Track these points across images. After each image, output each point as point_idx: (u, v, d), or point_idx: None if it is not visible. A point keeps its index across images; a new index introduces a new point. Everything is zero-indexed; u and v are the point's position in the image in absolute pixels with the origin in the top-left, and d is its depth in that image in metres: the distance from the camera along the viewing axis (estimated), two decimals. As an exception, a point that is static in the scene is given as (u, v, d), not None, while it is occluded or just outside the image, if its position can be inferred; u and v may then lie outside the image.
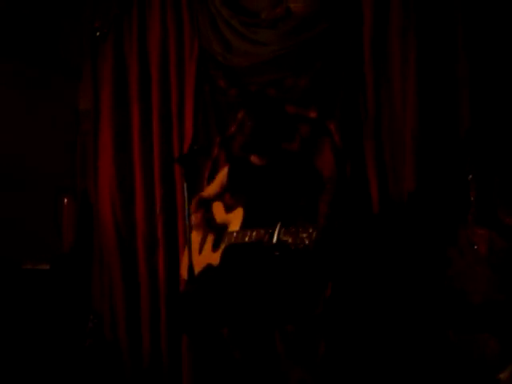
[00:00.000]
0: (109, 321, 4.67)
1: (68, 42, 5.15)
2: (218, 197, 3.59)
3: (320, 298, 3.57)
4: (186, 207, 3.06)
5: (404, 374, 3.35)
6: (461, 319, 3.16)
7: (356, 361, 3.50)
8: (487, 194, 3.21)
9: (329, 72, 3.78)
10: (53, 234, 4.84)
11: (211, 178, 3.93)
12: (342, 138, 3.69)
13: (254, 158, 3.36)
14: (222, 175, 3.60)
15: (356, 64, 3.69)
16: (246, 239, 3.02)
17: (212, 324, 3.18)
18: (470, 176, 3.23)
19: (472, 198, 3.21)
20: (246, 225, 3.13)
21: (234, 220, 3.23)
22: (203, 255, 3.39)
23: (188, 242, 3.04)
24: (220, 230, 3.34)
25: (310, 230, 2.70)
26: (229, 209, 3.41)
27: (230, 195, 3.61)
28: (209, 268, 3.27)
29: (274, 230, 2.80)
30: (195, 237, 3.48)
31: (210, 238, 3.43)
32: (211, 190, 3.64)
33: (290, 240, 2.73)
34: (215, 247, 3.31)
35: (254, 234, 2.96)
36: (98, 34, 4.85)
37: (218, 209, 3.50)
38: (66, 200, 4.87)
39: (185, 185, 3.08)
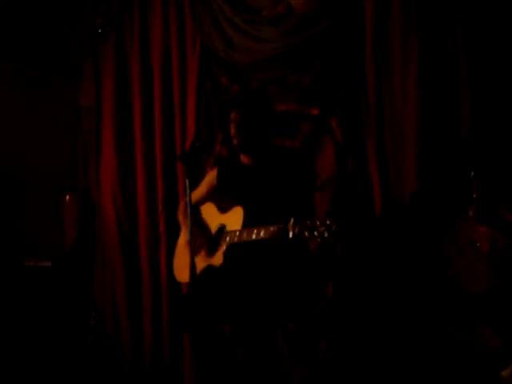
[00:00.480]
0: (111, 318, 4.67)
1: (68, 41, 5.14)
2: (206, 199, 3.56)
3: (322, 296, 3.57)
4: (188, 204, 3.05)
5: (405, 372, 3.35)
6: (461, 317, 3.16)
7: (357, 359, 3.50)
8: (489, 191, 3.22)
9: (330, 69, 3.79)
10: (55, 231, 4.84)
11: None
12: (343, 134, 3.70)
13: (244, 158, 3.35)
14: (211, 177, 3.58)
15: (357, 61, 3.70)
16: (253, 237, 2.98)
17: (214, 321, 3.17)
18: (472, 173, 3.24)
19: (474, 195, 3.21)
20: (247, 223, 3.10)
21: (232, 219, 3.19)
22: (199, 257, 3.33)
23: (190, 241, 3.04)
24: (217, 231, 3.32)
25: (328, 223, 2.69)
26: (222, 209, 3.39)
27: (222, 196, 3.58)
28: (210, 268, 3.23)
29: (288, 226, 2.79)
30: (185, 237, 3.44)
31: (202, 240, 3.39)
32: (199, 192, 3.59)
33: (306, 234, 2.71)
34: (213, 248, 3.27)
35: (263, 231, 2.93)
36: (99, 31, 4.85)
37: (210, 210, 3.47)
38: (67, 197, 4.87)
39: (187, 181, 3.07)
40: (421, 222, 3.43)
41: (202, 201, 3.55)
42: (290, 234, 2.77)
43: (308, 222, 2.72)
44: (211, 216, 3.43)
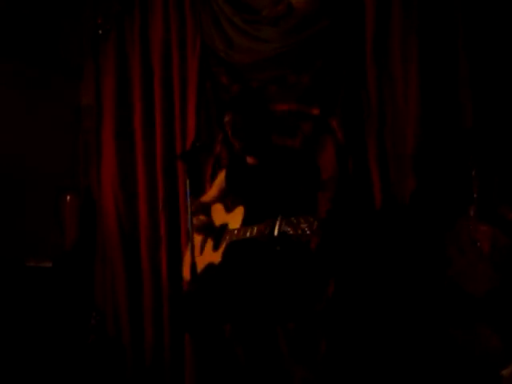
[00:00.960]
0: (111, 317, 4.68)
1: (68, 41, 5.15)
2: (218, 200, 3.58)
3: (322, 295, 3.57)
4: (188, 204, 3.06)
5: (406, 371, 3.35)
6: (461, 317, 3.16)
7: (357, 358, 3.50)
8: (490, 191, 3.22)
9: (331, 69, 3.78)
10: (55, 231, 4.85)
11: (213, 175, 3.94)
12: (344, 134, 3.69)
13: (250, 159, 3.37)
14: (220, 179, 3.60)
15: (358, 61, 3.69)
16: (248, 235, 3.01)
17: (214, 321, 3.18)
18: (473, 172, 3.24)
19: (475, 195, 3.21)
20: (247, 222, 3.12)
21: (235, 219, 3.22)
22: (204, 255, 3.39)
23: (190, 240, 3.05)
24: (220, 230, 3.34)
25: (311, 220, 2.70)
26: (228, 209, 3.41)
27: (231, 197, 3.61)
28: (210, 266, 3.26)
29: (275, 223, 2.80)
30: (196, 237, 3.47)
31: (211, 239, 3.42)
32: (211, 194, 3.64)
33: (291, 231, 2.73)
34: (216, 246, 3.30)
35: (256, 229, 2.95)
36: (100, 31, 4.85)
37: (217, 210, 3.50)
38: (68, 197, 4.87)
39: (187, 181, 3.08)
40: (421, 221, 3.42)
41: (214, 200, 3.58)
42: (276, 232, 2.79)
43: (293, 219, 2.74)
44: (218, 216, 3.46)
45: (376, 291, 3.49)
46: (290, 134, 3.82)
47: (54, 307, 4.40)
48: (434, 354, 3.26)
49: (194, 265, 3.01)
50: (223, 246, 3.20)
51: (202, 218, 3.47)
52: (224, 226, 3.31)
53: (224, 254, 3.17)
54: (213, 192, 3.64)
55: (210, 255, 3.33)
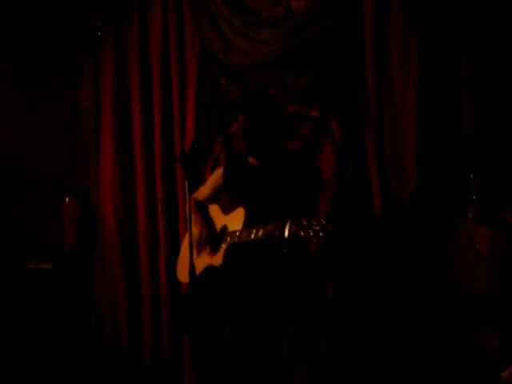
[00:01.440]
0: (110, 319, 4.68)
1: (68, 41, 5.14)
2: (212, 199, 3.57)
3: (322, 297, 3.57)
4: (187, 206, 3.06)
5: (406, 372, 3.35)
6: (461, 317, 3.16)
7: (357, 359, 3.50)
8: (489, 192, 3.22)
9: (330, 71, 3.78)
10: (54, 233, 4.84)
11: (213, 177, 3.93)
12: (343, 136, 3.69)
13: (251, 160, 3.35)
14: (217, 176, 3.59)
15: (357, 62, 3.69)
16: (252, 236, 2.99)
17: (214, 323, 3.17)
18: (472, 174, 3.23)
19: (473, 197, 3.21)
20: (248, 224, 3.11)
21: (234, 220, 3.21)
22: (201, 258, 3.36)
23: (190, 241, 3.04)
24: (219, 232, 3.33)
25: (324, 222, 2.69)
26: (226, 210, 3.40)
27: (227, 196, 3.60)
28: (210, 268, 3.25)
29: (285, 225, 2.79)
30: (193, 238, 3.45)
31: (208, 240, 3.41)
32: (205, 190, 3.61)
33: (302, 233, 2.71)
34: (215, 248, 3.28)
35: (261, 231, 2.93)
36: (99, 33, 4.85)
37: (214, 212, 3.48)
38: (67, 199, 4.87)
39: (186, 183, 3.07)
40: (421, 222, 3.42)
41: (209, 199, 3.56)
42: (286, 234, 2.77)
43: (304, 221, 2.72)
44: (215, 217, 3.45)
45: (375, 293, 3.49)
46: (289, 136, 3.81)
47: (53, 309, 4.40)
48: (434, 355, 3.26)
49: (192, 267, 3.00)
50: (223, 247, 3.18)
51: (198, 214, 3.45)
52: (223, 228, 3.30)
53: (225, 256, 3.15)
54: (208, 188, 3.61)
55: (208, 257, 3.31)
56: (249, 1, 4.16)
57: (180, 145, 4.39)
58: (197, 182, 3.91)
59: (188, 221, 3.05)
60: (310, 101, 3.82)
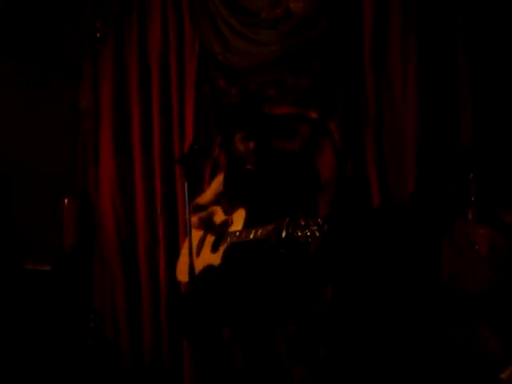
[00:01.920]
0: (110, 320, 4.68)
1: (68, 41, 5.14)
2: (214, 203, 3.58)
3: (320, 298, 3.57)
4: (187, 207, 3.06)
5: (405, 373, 3.35)
6: (461, 317, 3.16)
7: (356, 359, 3.50)
8: (488, 193, 3.21)
9: (329, 72, 3.78)
10: (54, 234, 4.84)
11: (212, 178, 3.92)
12: (342, 137, 3.69)
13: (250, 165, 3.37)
14: (218, 183, 3.61)
15: (356, 63, 3.69)
16: (251, 236, 3.01)
17: (213, 324, 3.18)
18: (471, 175, 3.23)
19: (472, 198, 3.20)
20: (249, 224, 3.12)
21: (235, 221, 3.23)
22: (202, 257, 3.39)
23: (189, 242, 3.05)
24: (219, 233, 3.34)
25: (321, 223, 2.70)
26: (227, 212, 3.41)
27: (228, 200, 3.60)
28: (209, 268, 3.26)
29: (283, 224, 2.80)
30: (194, 239, 3.46)
31: (209, 241, 3.42)
32: (207, 196, 3.64)
33: (299, 233, 2.73)
34: (214, 249, 3.30)
35: (260, 231, 2.96)
36: (98, 34, 4.85)
37: (216, 213, 3.49)
38: (66, 200, 4.86)
39: (185, 185, 3.08)
40: (420, 223, 3.42)
41: (210, 204, 3.58)
42: (283, 234, 2.80)
43: (302, 221, 2.74)
44: (217, 219, 3.46)
45: (374, 293, 3.49)
46: (288, 137, 3.81)
47: (53, 310, 4.40)
48: (434, 356, 3.26)
49: (192, 266, 3.01)
50: (223, 247, 3.20)
51: (197, 217, 3.46)
52: (224, 229, 3.31)
53: (224, 256, 3.17)
54: (209, 194, 3.64)
55: (208, 257, 3.33)
56: (247, 2, 4.17)
57: (179, 146, 4.39)
58: (196, 183, 3.93)
59: (188, 223, 3.06)
60: (310, 102, 3.82)
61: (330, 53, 3.77)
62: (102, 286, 4.81)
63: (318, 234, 2.70)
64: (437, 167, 3.43)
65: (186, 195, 3.08)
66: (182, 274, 3.38)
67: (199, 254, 3.42)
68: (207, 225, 3.44)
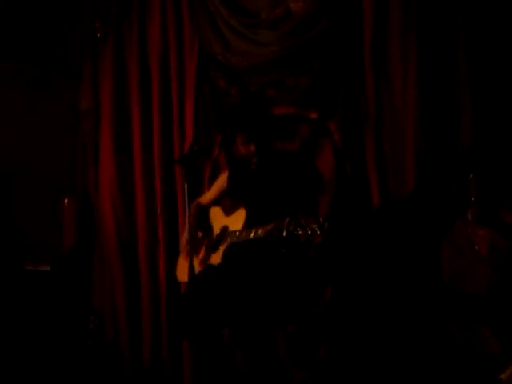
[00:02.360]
0: (110, 320, 4.68)
1: (68, 41, 5.14)
2: (217, 202, 3.58)
3: (320, 299, 3.57)
4: (187, 207, 3.06)
5: (405, 373, 3.35)
6: (461, 316, 3.16)
7: (355, 359, 3.50)
8: (488, 193, 3.21)
9: (329, 72, 3.78)
10: (54, 234, 4.84)
11: (212, 178, 3.93)
12: (342, 138, 3.69)
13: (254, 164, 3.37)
14: (222, 180, 3.61)
15: (356, 63, 3.69)
16: (252, 236, 3.02)
17: (213, 323, 3.18)
18: (471, 175, 3.23)
19: (472, 198, 3.20)
20: (249, 224, 3.13)
21: (235, 221, 3.23)
22: (201, 257, 3.38)
23: (190, 242, 3.05)
24: (220, 232, 3.34)
25: (321, 221, 2.71)
26: (228, 212, 3.41)
27: (230, 199, 3.61)
28: (209, 268, 3.26)
29: (283, 223, 2.81)
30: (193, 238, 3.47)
31: (207, 241, 3.41)
32: (210, 195, 3.64)
33: (300, 232, 2.74)
34: (215, 248, 3.30)
35: (261, 230, 2.96)
36: (98, 34, 4.85)
37: (216, 213, 3.49)
38: (66, 200, 4.86)
39: (185, 185, 3.09)
40: (420, 223, 3.42)
41: (213, 202, 3.58)
42: (284, 232, 2.81)
43: (302, 220, 2.76)
44: (217, 219, 3.46)
45: (374, 293, 3.49)
46: (288, 137, 3.81)
47: (53, 310, 4.40)
48: (434, 356, 3.26)
49: (191, 266, 3.02)
50: (223, 247, 3.20)
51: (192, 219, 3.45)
52: (224, 229, 3.31)
53: (224, 256, 3.18)
54: (212, 193, 3.64)
55: (208, 256, 3.33)
56: (247, 2, 4.16)
57: (179, 146, 4.39)
58: (196, 183, 3.92)
59: (187, 223, 3.05)
60: (309, 102, 3.82)
61: (329, 53, 3.77)
62: (101, 286, 4.81)
63: (318, 232, 2.71)
64: (437, 167, 3.43)
65: (186, 195, 3.09)
66: (182, 274, 3.39)
67: (199, 255, 3.42)
68: (203, 226, 3.44)
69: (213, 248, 3.32)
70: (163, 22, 4.51)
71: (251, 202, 3.25)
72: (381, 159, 3.60)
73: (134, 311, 4.57)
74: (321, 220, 2.73)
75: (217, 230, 3.38)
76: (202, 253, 3.40)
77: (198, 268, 3.27)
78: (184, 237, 3.54)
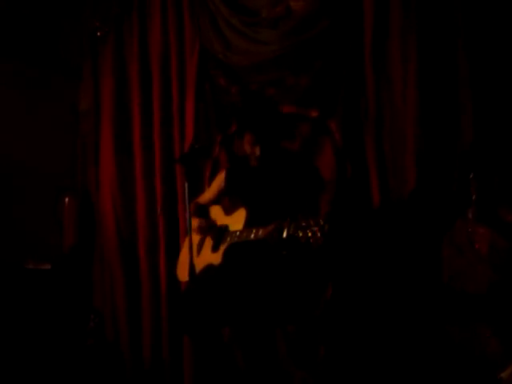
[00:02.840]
0: (110, 319, 4.69)
1: (68, 41, 5.15)
2: (215, 202, 3.59)
3: (321, 299, 3.57)
4: (187, 207, 3.06)
5: (405, 372, 3.35)
6: (461, 316, 3.16)
7: (356, 359, 3.50)
8: (489, 192, 3.21)
9: (330, 71, 3.78)
10: (54, 233, 4.85)
11: (212, 177, 3.93)
12: (342, 137, 3.69)
13: (253, 162, 3.37)
14: (220, 180, 3.61)
15: (357, 63, 3.69)
16: (252, 236, 3.02)
17: (213, 322, 3.18)
18: (471, 175, 3.22)
19: (473, 197, 3.20)
20: (249, 224, 3.13)
21: (236, 221, 3.24)
22: (201, 257, 3.39)
23: (189, 242, 3.05)
24: (220, 232, 3.34)
25: (322, 223, 2.70)
26: (228, 212, 3.42)
27: (229, 198, 3.61)
28: (209, 267, 3.26)
29: (283, 225, 2.80)
30: (194, 238, 3.47)
31: (209, 240, 3.42)
32: (208, 195, 3.65)
33: (300, 234, 2.74)
34: (215, 248, 3.31)
35: (261, 231, 2.96)
36: (98, 34, 4.85)
37: (217, 213, 3.50)
38: (67, 199, 4.87)
39: (186, 184, 3.08)
40: (420, 223, 3.42)
41: (211, 202, 3.58)
42: (284, 234, 2.82)
43: (303, 222, 2.76)
44: (217, 218, 3.46)
45: (374, 293, 3.49)
46: (288, 136, 3.81)
47: (53, 309, 4.41)
48: (434, 356, 3.26)
49: (192, 265, 3.01)
50: (224, 247, 3.21)
51: (197, 219, 3.46)
52: (224, 228, 3.31)
53: (224, 256, 3.19)
54: (211, 193, 3.65)
55: (208, 256, 3.33)
56: (247, 1, 4.16)
57: (180, 145, 4.40)
58: (196, 182, 3.93)
59: (188, 222, 3.06)
60: (310, 101, 3.82)
61: (330, 52, 3.77)
62: (102, 286, 4.81)
63: (319, 234, 2.71)
64: (437, 167, 3.43)
65: (187, 194, 3.08)
66: (183, 274, 3.39)
67: (199, 254, 3.42)
68: (207, 226, 3.44)
69: (213, 248, 3.33)
70: (164, 21, 4.52)
71: (251, 201, 3.25)
72: (381, 159, 3.59)
73: (134, 310, 4.58)
74: (321, 222, 2.72)
75: (217, 229, 3.39)
76: (203, 252, 3.40)
77: (198, 267, 3.26)
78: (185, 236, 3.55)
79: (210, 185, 3.85)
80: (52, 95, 5.02)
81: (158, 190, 4.48)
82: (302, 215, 2.81)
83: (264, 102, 3.83)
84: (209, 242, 3.41)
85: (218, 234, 3.34)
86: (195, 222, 3.40)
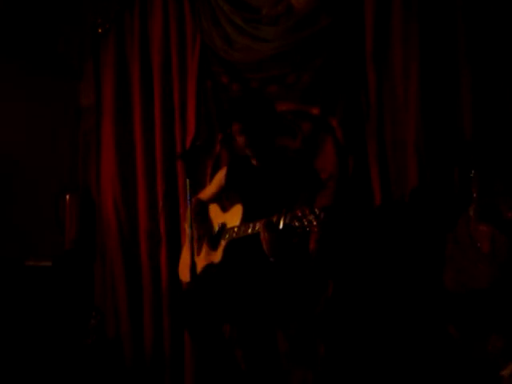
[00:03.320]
0: (111, 318, 4.68)
1: (69, 39, 5.17)
2: (216, 199, 3.58)
3: (321, 297, 3.56)
4: (189, 203, 3.06)
5: (405, 372, 3.35)
6: (462, 315, 3.16)
7: (356, 359, 3.49)
8: (490, 190, 3.21)
9: (331, 68, 3.77)
10: (55, 230, 4.86)
11: (213, 175, 3.92)
12: (344, 134, 3.69)
13: (253, 160, 3.36)
14: (220, 176, 3.59)
15: (358, 60, 3.68)
16: (249, 231, 3.02)
17: (214, 320, 3.17)
18: (473, 172, 3.23)
19: (474, 195, 3.20)
20: (246, 220, 3.12)
21: (233, 217, 3.23)
22: (202, 256, 3.39)
23: (191, 239, 3.05)
24: (219, 230, 3.34)
25: (317, 212, 2.70)
26: (225, 208, 3.42)
27: (228, 196, 3.60)
28: (210, 266, 3.26)
29: (280, 216, 2.81)
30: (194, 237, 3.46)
31: (208, 239, 3.42)
32: (209, 191, 3.64)
33: (296, 224, 2.74)
34: (214, 246, 3.30)
35: (258, 224, 2.96)
36: (99, 30, 4.85)
37: (214, 210, 3.49)
38: (68, 197, 4.88)
39: (187, 181, 3.08)
40: (421, 221, 3.42)
41: (211, 199, 3.57)
42: (281, 225, 2.81)
43: (299, 212, 2.75)
44: (215, 216, 3.46)
45: (375, 291, 3.49)
46: (290, 134, 3.82)
47: (54, 307, 4.41)
48: (434, 354, 3.26)
49: (193, 264, 3.01)
50: (223, 244, 3.20)
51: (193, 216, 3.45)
52: (222, 226, 3.31)
53: (224, 253, 3.18)
54: (211, 188, 3.63)
55: (208, 255, 3.33)
56: (249, -2, 4.17)
57: (181, 142, 4.38)
58: (197, 179, 3.93)
59: (189, 221, 3.05)
60: (311, 98, 3.81)
61: (331, 49, 3.76)
62: (103, 283, 4.81)
63: (315, 223, 2.70)
64: (438, 164, 3.43)
65: (188, 192, 3.08)
66: (184, 274, 3.39)
67: (200, 253, 3.42)
68: (204, 223, 3.44)
69: (213, 246, 3.33)
70: (165, 17, 4.51)
71: (249, 198, 3.25)
72: (382, 156, 3.59)
73: (135, 308, 4.57)
74: (317, 211, 2.71)
75: (215, 226, 3.39)
76: (203, 250, 3.40)
77: (199, 267, 3.25)
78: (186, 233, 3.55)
79: (211, 180, 3.84)
80: (53, 93, 5.03)
81: (159, 187, 4.47)
82: (297, 206, 2.80)
83: (255, 94, 3.82)
84: (208, 241, 3.41)
85: (216, 232, 3.34)
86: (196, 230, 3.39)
